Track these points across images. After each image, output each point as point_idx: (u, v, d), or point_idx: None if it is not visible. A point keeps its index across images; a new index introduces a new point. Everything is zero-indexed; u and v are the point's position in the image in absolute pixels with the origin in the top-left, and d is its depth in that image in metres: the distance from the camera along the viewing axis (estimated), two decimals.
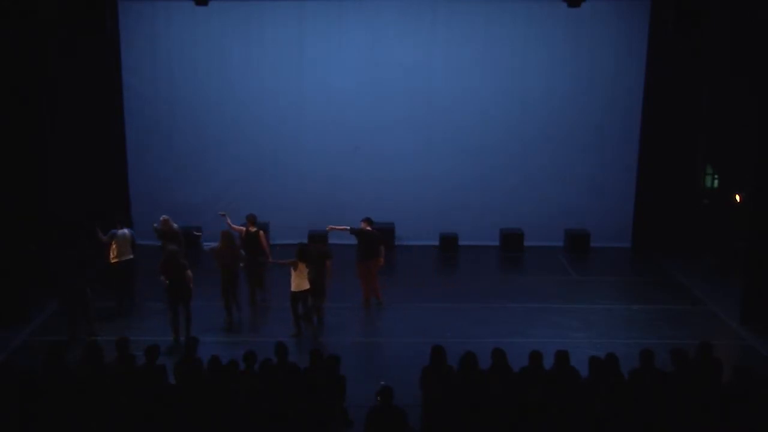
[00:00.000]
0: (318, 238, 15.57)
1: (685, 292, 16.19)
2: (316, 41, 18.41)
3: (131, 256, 15.01)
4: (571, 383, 9.51)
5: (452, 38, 18.45)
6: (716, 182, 18.85)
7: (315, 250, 14.02)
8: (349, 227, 15.23)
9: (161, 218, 15.47)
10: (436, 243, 19.02)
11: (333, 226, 15.43)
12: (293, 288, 13.76)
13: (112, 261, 14.84)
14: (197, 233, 16.17)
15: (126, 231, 15.02)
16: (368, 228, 15.11)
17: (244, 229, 15.13)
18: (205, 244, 14.85)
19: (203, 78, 18.51)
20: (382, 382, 9.51)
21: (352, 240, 15.40)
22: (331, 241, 18.00)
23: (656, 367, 9.84)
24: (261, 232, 15.15)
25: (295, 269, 13.72)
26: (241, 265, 14.61)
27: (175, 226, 15.51)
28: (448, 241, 18.91)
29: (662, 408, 8.89)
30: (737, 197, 17.80)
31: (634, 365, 9.90)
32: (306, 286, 13.75)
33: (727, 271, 16.78)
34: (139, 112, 18.54)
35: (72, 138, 17.51)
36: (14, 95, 14.34)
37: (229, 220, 15.19)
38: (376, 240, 15.07)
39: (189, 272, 13.57)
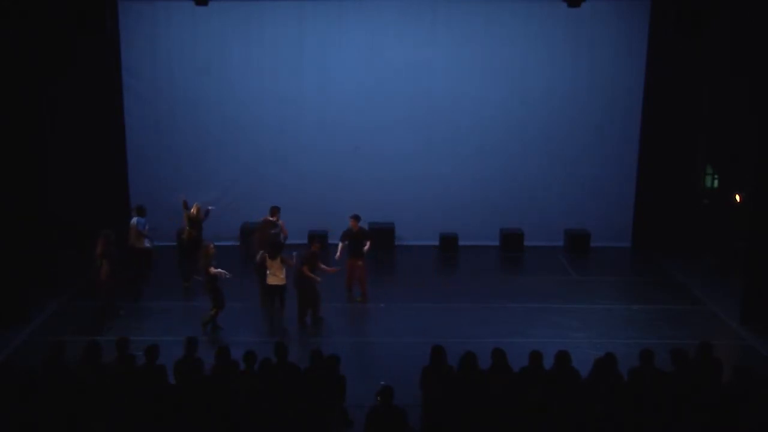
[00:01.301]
0: (315, 239, 15.60)
1: (685, 292, 16.19)
2: (316, 41, 18.41)
3: (139, 245, 15.57)
4: (571, 383, 9.51)
5: (452, 38, 18.45)
6: (716, 182, 18.85)
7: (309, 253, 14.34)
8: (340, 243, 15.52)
9: (195, 204, 16.19)
10: (436, 243, 19.02)
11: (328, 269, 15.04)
12: (267, 281, 14.08)
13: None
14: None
15: (134, 219, 15.64)
16: (353, 226, 15.40)
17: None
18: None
19: (203, 78, 18.50)
20: (382, 382, 9.51)
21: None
22: (332, 240, 18.03)
23: (656, 367, 9.84)
24: (281, 222, 15.56)
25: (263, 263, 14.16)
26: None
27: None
28: (448, 241, 18.91)
29: (662, 408, 8.89)
30: (737, 197, 17.80)
31: (634, 365, 9.90)
32: (277, 281, 13.95)
33: (727, 271, 16.78)
34: (139, 112, 18.53)
35: (72, 138, 17.51)
36: (14, 95, 14.33)
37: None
38: (361, 238, 15.38)
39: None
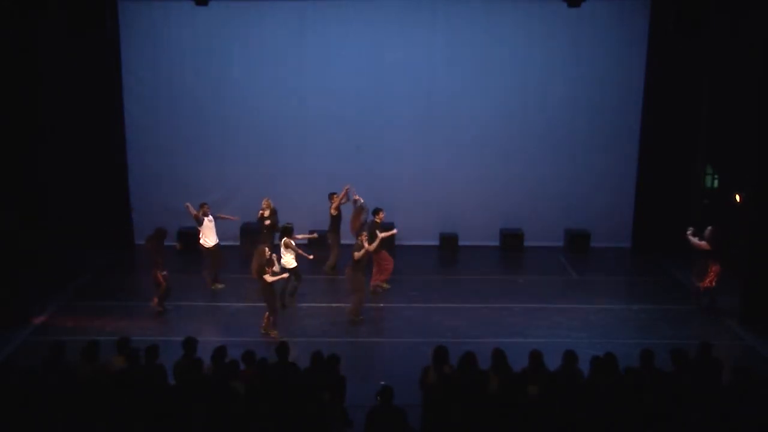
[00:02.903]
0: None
1: (685, 292, 16.17)
2: (317, 41, 18.41)
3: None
4: (571, 383, 9.50)
5: (452, 38, 18.46)
6: (716, 182, 18.82)
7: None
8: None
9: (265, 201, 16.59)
10: (436, 243, 19.01)
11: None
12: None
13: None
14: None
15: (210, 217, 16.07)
16: (381, 219, 15.85)
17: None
18: None
19: (203, 78, 18.50)
20: (382, 382, 9.52)
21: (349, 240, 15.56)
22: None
23: (656, 367, 9.84)
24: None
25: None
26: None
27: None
28: (448, 241, 18.91)
29: (662, 408, 8.89)
30: (737, 197, 17.78)
31: (634, 365, 9.90)
32: (287, 264, 14.58)
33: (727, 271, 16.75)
34: (139, 112, 18.53)
35: (72, 138, 17.50)
36: (14, 95, 14.32)
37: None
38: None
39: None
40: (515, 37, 18.44)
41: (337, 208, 16.91)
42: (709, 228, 14.86)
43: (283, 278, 14.01)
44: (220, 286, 15.95)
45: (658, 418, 8.75)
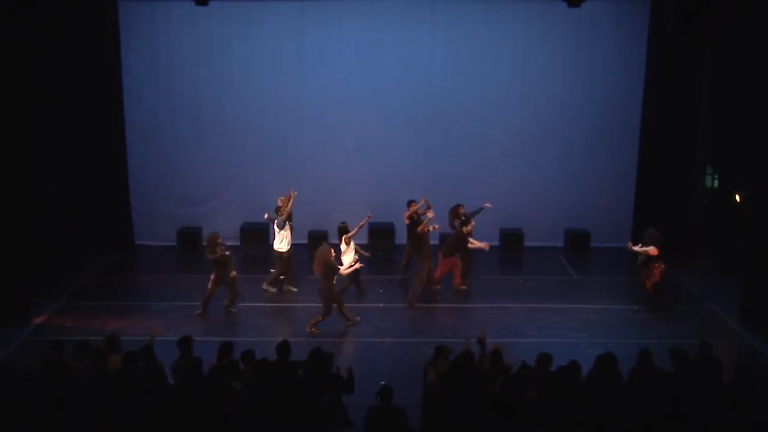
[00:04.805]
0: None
1: (686, 292, 16.18)
2: (317, 41, 18.40)
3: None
4: (571, 383, 9.49)
5: (452, 38, 18.45)
6: (716, 182, 18.81)
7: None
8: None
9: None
10: (437, 243, 18.97)
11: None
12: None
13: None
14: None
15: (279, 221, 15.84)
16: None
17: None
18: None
19: (203, 78, 18.48)
20: (382, 382, 9.51)
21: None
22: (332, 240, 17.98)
23: (656, 367, 9.84)
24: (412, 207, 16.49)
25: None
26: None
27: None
28: None
29: (662, 408, 8.89)
30: (737, 197, 17.78)
31: (635, 365, 9.90)
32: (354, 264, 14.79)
33: (727, 271, 16.76)
34: (138, 112, 18.51)
35: (71, 138, 17.46)
36: (13, 95, 14.31)
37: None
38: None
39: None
40: (515, 37, 18.43)
41: (410, 217, 16.44)
42: (651, 231, 15.00)
43: (355, 269, 14.54)
44: (293, 289, 15.89)
45: (658, 418, 8.75)
